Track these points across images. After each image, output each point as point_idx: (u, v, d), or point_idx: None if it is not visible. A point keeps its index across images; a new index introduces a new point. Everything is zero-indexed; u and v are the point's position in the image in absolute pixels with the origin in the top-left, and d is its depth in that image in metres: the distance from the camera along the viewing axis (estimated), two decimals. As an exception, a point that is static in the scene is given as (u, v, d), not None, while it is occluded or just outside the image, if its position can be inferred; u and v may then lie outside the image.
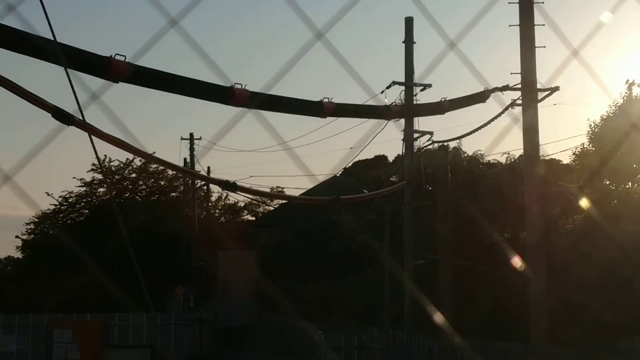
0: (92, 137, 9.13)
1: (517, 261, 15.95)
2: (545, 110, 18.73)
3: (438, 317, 19.09)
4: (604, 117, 25.90)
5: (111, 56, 9.37)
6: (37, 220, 51.14)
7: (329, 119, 13.76)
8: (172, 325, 34.70)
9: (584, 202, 21.14)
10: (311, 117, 12.95)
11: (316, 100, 12.53)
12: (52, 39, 7.20)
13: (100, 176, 50.18)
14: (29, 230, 51.21)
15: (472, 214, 23.21)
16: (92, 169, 48.33)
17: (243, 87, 10.95)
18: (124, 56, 9.47)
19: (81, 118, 8.01)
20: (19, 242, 51.36)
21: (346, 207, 31.69)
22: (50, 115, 8.40)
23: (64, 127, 8.21)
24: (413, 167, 24.05)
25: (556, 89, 17.07)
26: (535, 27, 16.20)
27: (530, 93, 16.21)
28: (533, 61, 16.22)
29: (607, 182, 25.32)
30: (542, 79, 16.56)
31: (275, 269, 39.74)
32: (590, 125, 25.96)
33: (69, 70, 7.55)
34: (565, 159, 29.49)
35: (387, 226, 26.35)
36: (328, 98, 12.68)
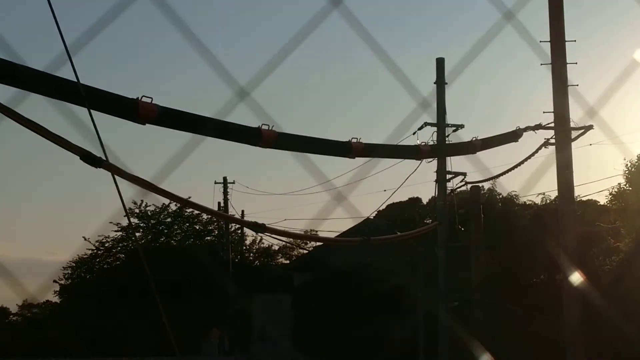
0: (130, 181, 9.04)
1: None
2: (580, 150, 18.52)
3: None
4: (641, 155, 25.49)
5: (138, 98, 9.41)
6: (74, 265, 51.44)
7: (362, 160, 13.55)
8: (206, 370, 34.59)
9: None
10: (342, 158, 12.83)
11: (344, 140, 12.46)
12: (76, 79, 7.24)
13: (136, 220, 50.51)
14: (66, 275, 51.50)
15: (506, 254, 22.90)
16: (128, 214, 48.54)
17: (270, 128, 10.91)
18: (151, 98, 9.50)
19: (106, 160, 7.98)
20: (57, 287, 51.62)
21: (379, 249, 31.45)
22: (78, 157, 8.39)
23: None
24: (446, 208, 23.84)
25: (590, 127, 16.77)
26: (568, 65, 16.07)
27: (563, 131, 16.02)
28: (566, 99, 16.05)
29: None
30: (576, 117, 16.35)
31: (309, 312, 39.53)
32: (627, 164, 25.57)
33: (94, 112, 7.56)
34: (602, 199, 29.01)
35: (421, 268, 26.10)
36: (357, 138, 12.61)
